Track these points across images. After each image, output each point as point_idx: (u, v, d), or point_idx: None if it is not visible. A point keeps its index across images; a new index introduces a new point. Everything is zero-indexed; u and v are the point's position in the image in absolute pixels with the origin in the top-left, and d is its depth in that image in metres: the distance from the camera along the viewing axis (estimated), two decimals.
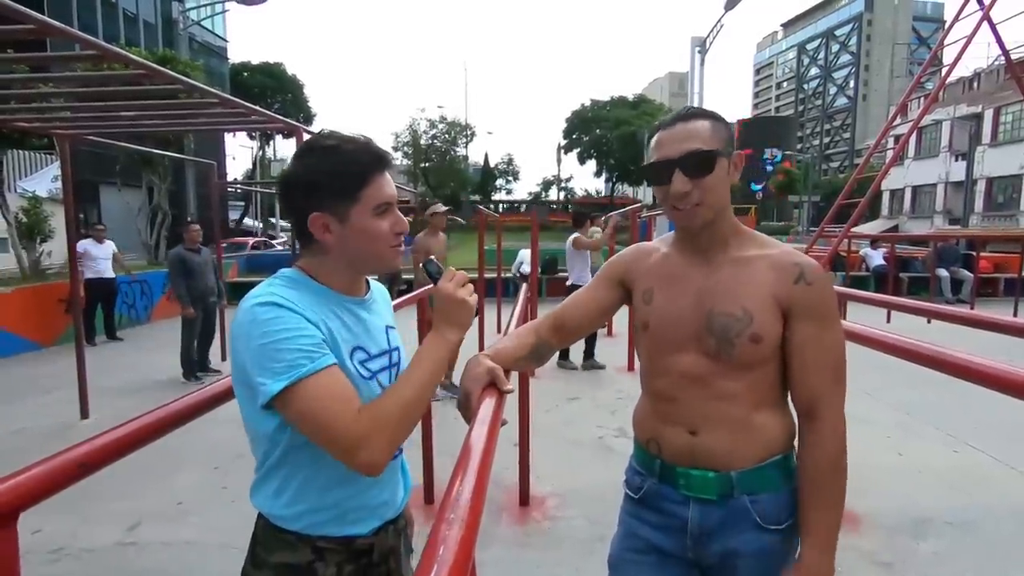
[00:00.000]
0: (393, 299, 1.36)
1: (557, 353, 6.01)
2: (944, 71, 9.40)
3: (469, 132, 49.14)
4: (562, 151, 55.08)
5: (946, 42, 9.14)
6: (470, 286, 1.07)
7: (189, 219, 7.34)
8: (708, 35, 21.84)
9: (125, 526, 2.91)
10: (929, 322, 6.52)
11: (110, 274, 7.71)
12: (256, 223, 32.68)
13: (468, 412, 1.04)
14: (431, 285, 1.08)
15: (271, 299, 0.93)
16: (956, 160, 31.08)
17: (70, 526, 2.87)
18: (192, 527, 2.90)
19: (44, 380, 5.63)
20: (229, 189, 23.22)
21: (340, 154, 0.98)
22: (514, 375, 1.24)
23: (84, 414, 4.57)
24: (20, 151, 16.21)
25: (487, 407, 0.97)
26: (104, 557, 2.66)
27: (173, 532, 2.86)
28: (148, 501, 3.17)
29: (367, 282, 1.14)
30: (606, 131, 50.33)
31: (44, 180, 16.41)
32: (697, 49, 22.58)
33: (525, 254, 11.74)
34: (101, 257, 7.58)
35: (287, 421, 0.93)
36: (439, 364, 1.02)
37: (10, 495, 0.73)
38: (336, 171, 0.97)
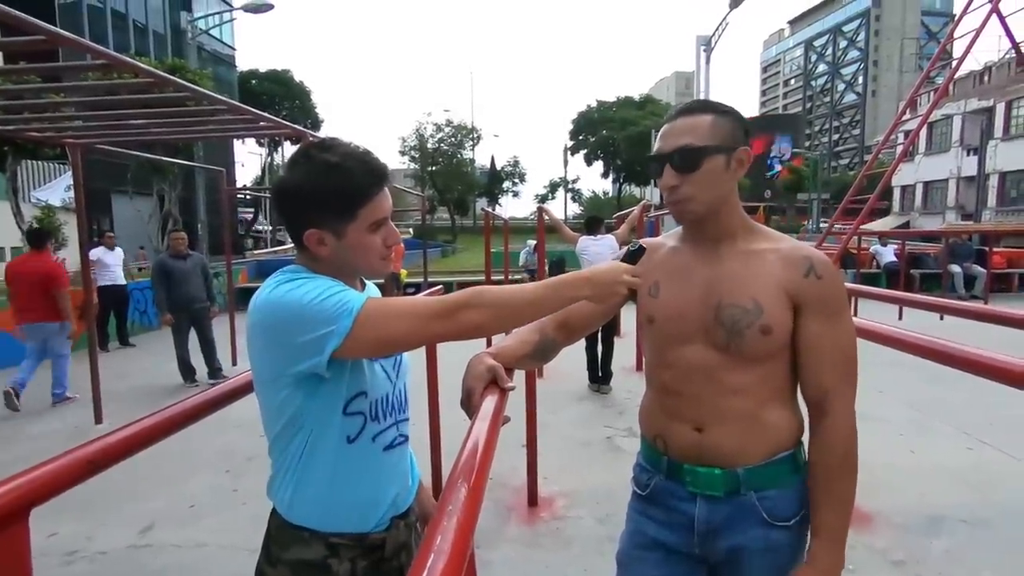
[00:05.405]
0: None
1: (589, 376, 5.38)
2: (954, 64, 9.30)
3: (475, 135, 49.25)
4: (569, 152, 55.03)
5: (955, 35, 9.05)
6: (630, 281, 1.07)
7: (172, 228, 7.44)
8: (714, 34, 21.77)
9: (138, 529, 2.94)
10: (942, 318, 6.43)
11: (122, 281, 7.83)
12: (266, 227, 32.78)
13: (470, 409, 1.04)
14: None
15: (286, 279, 0.97)
16: (968, 155, 30.62)
17: (85, 529, 2.92)
18: (204, 529, 2.93)
19: None
20: (239, 195, 23.44)
21: (341, 173, 0.97)
22: (520, 376, 1.24)
23: (98, 419, 4.63)
24: (34, 161, 16.46)
25: (489, 404, 0.98)
26: (118, 559, 2.70)
27: (186, 534, 2.89)
28: (161, 504, 3.21)
29: (362, 280, 1.16)
30: (613, 132, 50.23)
31: (57, 190, 16.68)
32: (703, 48, 22.49)
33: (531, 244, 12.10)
34: (113, 264, 7.69)
35: (368, 350, 0.95)
36: (561, 294, 1.00)
37: (22, 491, 0.75)
38: (337, 191, 0.98)
